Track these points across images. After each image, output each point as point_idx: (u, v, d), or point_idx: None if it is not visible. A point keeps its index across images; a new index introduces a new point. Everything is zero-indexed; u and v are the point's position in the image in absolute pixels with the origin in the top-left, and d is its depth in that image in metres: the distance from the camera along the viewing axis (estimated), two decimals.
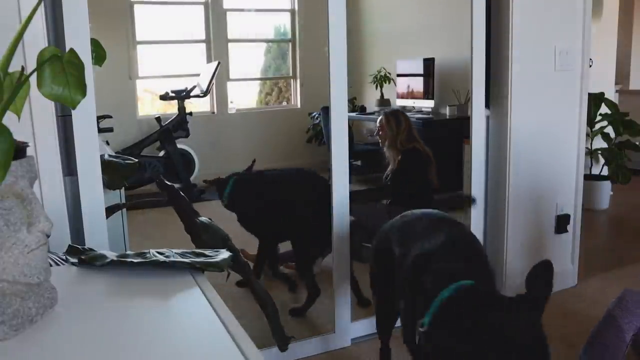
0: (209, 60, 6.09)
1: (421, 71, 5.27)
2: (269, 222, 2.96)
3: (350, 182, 2.53)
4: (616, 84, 5.47)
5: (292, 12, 6.53)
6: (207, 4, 6.12)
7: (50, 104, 1.64)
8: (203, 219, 1.53)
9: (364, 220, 3.30)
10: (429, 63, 5.17)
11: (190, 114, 5.51)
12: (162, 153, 5.44)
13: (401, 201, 3.52)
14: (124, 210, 2.22)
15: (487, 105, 2.75)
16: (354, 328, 2.53)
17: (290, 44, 6.61)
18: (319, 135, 5.95)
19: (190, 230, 1.51)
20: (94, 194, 1.82)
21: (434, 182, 3.57)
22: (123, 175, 1.84)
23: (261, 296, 1.48)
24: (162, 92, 5.50)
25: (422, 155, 3.56)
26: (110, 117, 4.65)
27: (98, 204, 1.83)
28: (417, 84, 5.32)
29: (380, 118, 3.68)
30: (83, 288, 0.93)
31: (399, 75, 5.61)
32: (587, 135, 4.19)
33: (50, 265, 0.88)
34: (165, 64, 6.07)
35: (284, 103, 6.81)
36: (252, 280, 1.46)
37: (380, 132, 3.63)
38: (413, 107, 5.40)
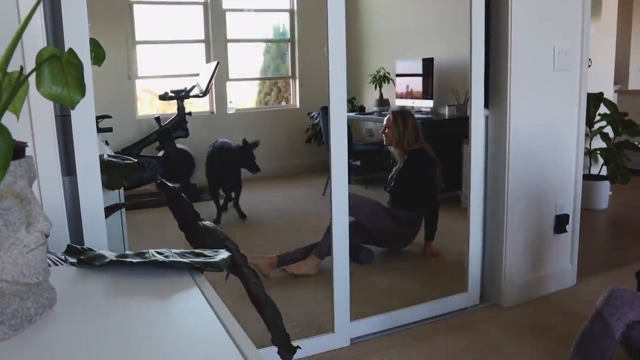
0: (208, 60, 6.09)
1: (420, 71, 5.27)
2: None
3: (349, 182, 2.53)
4: (615, 84, 5.47)
5: (291, 12, 6.53)
6: (206, 4, 6.12)
7: (49, 104, 1.64)
8: (206, 222, 1.50)
9: (364, 220, 3.32)
10: (428, 63, 5.17)
11: (190, 113, 5.51)
12: (161, 153, 5.44)
13: (403, 201, 3.54)
14: (123, 210, 2.22)
15: (486, 105, 2.75)
16: (353, 328, 2.53)
17: (289, 44, 6.61)
18: (318, 135, 5.95)
19: (184, 228, 1.48)
20: (93, 194, 1.82)
21: (438, 183, 3.62)
22: (122, 175, 1.83)
23: (259, 299, 1.34)
24: (162, 92, 5.50)
25: (429, 156, 3.58)
26: (109, 117, 4.65)
27: (97, 204, 1.83)
28: (416, 84, 5.32)
29: (387, 117, 3.69)
30: (82, 288, 0.93)
31: (398, 75, 5.61)
32: (586, 135, 4.19)
33: (49, 265, 0.88)
34: (164, 64, 6.06)
35: (283, 103, 6.81)
36: (250, 282, 1.40)
37: (387, 131, 3.64)
38: (412, 107, 5.40)
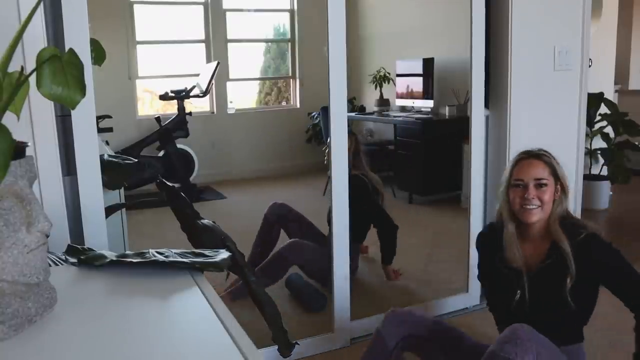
0: (208, 60, 6.09)
1: (420, 71, 5.27)
2: None
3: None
4: (615, 83, 5.47)
5: (292, 12, 6.53)
6: (206, 4, 6.12)
7: (49, 104, 1.64)
8: (205, 221, 1.51)
9: (306, 265, 3.01)
10: (428, 63, 5.17)
11: (190, 114, 5.51)
12: (161, 153, 5.44)
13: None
14: (123, 210, 2.22)
15: (487, 105, 2.75)
16: (354, 328, 2.53)
17: (289, 44, 6.61)
18: (319, 135, 5.95)
19: (187, 229, 1.49)
20: (94, 194, 1.82)
21: (377, 212, 3.19)
22: (122, 175, 1.83)
23: (260, 297, 1.39)
24: (162, 92, 5.50)
25: (367, 184, 3.14)
26: (109, 117, 4.65)
27: (97, 204, 1.83)
28: (417, 84, 5.32)
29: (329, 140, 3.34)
30: (82, 288, 0.93)
31: (398, 75, 5.61)
32: (587, 135, 4.19)
33: (50, 265, 0.88)
34: (165, 64, 6.07)
35: (284, 103, 6.81)
36: (250, 280, 1.42)
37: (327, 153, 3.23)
38: (412, 107, 5.41)
